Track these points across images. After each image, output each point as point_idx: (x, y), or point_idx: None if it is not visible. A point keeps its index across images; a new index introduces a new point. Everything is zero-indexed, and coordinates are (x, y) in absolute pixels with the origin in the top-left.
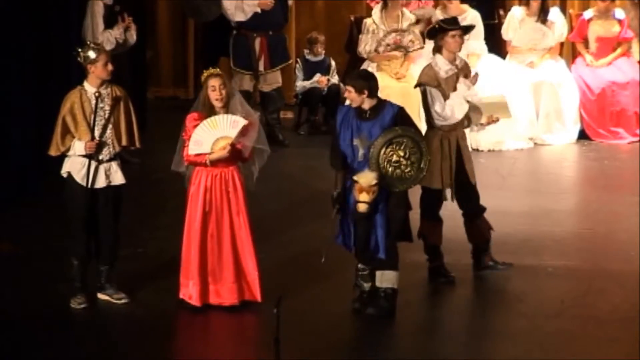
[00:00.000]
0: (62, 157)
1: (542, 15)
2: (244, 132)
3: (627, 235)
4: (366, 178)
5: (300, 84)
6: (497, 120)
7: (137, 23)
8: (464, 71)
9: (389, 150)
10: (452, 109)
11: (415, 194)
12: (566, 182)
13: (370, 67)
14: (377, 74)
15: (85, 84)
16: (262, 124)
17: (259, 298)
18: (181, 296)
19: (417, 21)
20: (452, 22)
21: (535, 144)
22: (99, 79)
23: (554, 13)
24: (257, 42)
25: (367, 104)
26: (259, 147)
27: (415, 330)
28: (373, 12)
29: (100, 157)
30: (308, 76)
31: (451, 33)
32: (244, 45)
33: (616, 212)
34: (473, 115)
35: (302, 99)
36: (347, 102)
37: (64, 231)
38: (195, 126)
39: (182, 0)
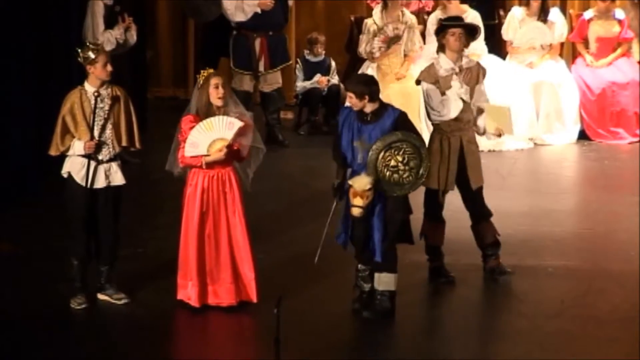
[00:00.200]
0: (62, 157)
1: (542, 16)
2: (240, 132)
3: (627, 235)
4: (360, 182)
5: (301, 84)
6: (503, 133)
7: (137, 23)
8: (474, 72)
9: (387, 154)
10: (445, 105)
11: (419, 195)
12: (566, 182)
13: (370, 67)
14: (377, 75)
15: (86, 84)
16: (262, 124)
17: (254, 299)
18: (180, 297)
19: (418, 21)
20: (453, 20)
21: (535, 144)
22: (99, 79)
23: (554, 13)
24: (257, 43)
25: (368, 108)
26: (255, 146)
27: (415, 330)
28: (373, 12)
29: (100, 158)
30: (308, 76)
31: (450, 31)
32: (244, 46)
33: (616, 212)
34: (481, 121)
35: (302, 99)
36: (347, 104)
37: (64, 231)
38: (191, 128)
39: (182, 0)
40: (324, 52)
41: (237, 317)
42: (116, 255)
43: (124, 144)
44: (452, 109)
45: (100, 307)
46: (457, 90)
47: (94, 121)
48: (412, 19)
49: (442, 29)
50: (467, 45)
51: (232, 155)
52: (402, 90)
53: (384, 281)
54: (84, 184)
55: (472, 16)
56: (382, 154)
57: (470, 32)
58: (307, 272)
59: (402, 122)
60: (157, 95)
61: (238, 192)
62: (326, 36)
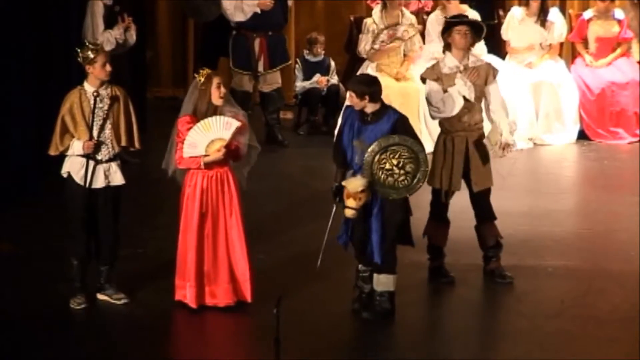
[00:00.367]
0: (62, 157)
1: (542, 16)
2: (237, 131)
3: (627, 235)
4: (353, 184)
5: (300, 84)
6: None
7: (137, 23)
8: (482, 72)
9: (382, 157)
10: (446, 102)
11: (420, 195)
12: (566, 182)
13: (370, 67)
14: (377, 74)
15: (85, 84)
16: (262, 124)
17: (249, 299)
18: (177, 298)
19: (418, 21)
20: (458, 18)
21: (535, 144)
22: (98, 79)
23: (554, 13)
24: (257, 43)
25: (369, 109)
26: (251, 145)
27: (415, 330)
28: (373, 12)
29: (99, 157)
30: (308, 76)
31: (457, 29)
32: (244, 46)
33: (616, 212)
34: (492, 134)
35: (302, 99)
36: (347, 102)
37: (64, 231)
38: (189, 129)
39: (182, 0)
40: (323, 52)
41: (237, 317)
42: (116, 255)
43: (123, 143)
44: (452, 107)
45: (100, 307)
46: (459, 88)
47: (93, 121)
48: (411, 19)
49: (448, 28)
50: (473, 44)
51: (230, 155)
52: (401, 90)
53: (382, 282)
54: (83, 183)
55: (472, 16)
56: (377, 156)
57: (476, 31)
58: (307, 272)
59: (400, 125)
60: (156, 95)
61: (236, 192)
62: (326, 36)
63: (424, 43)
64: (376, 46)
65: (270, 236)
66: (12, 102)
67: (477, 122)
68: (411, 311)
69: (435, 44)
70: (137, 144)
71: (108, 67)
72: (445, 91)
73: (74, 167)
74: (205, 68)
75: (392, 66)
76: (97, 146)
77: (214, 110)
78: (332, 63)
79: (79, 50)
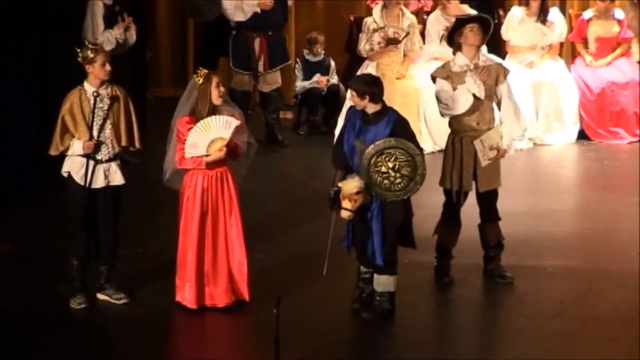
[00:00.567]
0: (62, 157)
1: (542, 15)
2: (236, 130)
3: (627, 235)
4: (349, 186)
5: (300, 84)
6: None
7: (137, 23)
8: (493, 71)
9: (378, 160)
10: (455, 99)
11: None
12: (566, 182)
13: (370, 67)
14: (377, 74)
15: (85, 84)
16: (262, 124)
17: (246, 297)
18: (177, 299)
19: (418, 21)
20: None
21: (535, 144)
22: (98, 79)
23: (554, 13)
24: (257, 43)
25: (370, 109)
26: (249, 142)
27: (415, 330)
28: (373, 12)
29: (99, 157)
30: (308, 76)
31: (469, 26)
32: (244, 46)
33: (616, 212)
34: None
35: (302, 99)
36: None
37: (64, 231)
38: (189, 129)
39: (182, 0)
40: (323, 52)
41: (237, 317)
42: (116, 255)
43: (123, 143)
44: (461, 104)
45: (100, 307)
46: (469, 86)
47: (93, 121)
48: (412, 18)
49: (458, 27)
50: (483, 41)
51: (230, 153)
52: (401, 90)
53: (382, 282)
54: (83, 183)
55: None
56: (373, 159)
57: (485, 28)
58: (307, 272)
59: (399, 127)
60: (156, 95)
61: (235, 191)
62: (326, 36)
63: (423, 43)
64: (367, 47)
65: (270, 236)
66: (12, 102)
67: (487, 122)
68: (411, 311)
69: (435, 44)
70: (137, 144)
71: (108, 67)
72: (455, 89)
73: (74, 167)
74: (203, 68)
75: (392, 66)
76: (97, 146)
77: (212, 110)
78: (332, 63)
79: (78, 50)
